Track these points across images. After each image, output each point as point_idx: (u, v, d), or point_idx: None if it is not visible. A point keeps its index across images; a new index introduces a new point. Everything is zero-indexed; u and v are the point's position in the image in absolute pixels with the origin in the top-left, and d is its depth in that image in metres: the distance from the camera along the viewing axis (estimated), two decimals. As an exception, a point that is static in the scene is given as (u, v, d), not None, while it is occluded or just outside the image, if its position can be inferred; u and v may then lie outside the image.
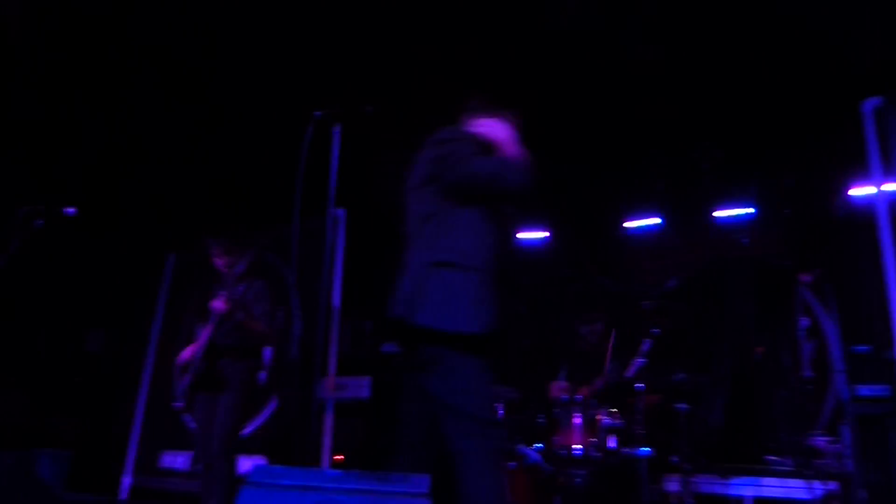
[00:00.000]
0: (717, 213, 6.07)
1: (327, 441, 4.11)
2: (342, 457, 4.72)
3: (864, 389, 4.30)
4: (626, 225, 6.53)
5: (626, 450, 4.11)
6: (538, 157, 6.17)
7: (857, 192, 5.21)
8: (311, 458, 4.11)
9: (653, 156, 6.17)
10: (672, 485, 4.55)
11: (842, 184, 5.24)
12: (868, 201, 4.24)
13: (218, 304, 3.88)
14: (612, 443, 4.14)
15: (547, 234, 6.54)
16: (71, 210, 3.44)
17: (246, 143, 6.05)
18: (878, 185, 3.88)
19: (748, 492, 4.54)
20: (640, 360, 4.05)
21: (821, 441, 4.68)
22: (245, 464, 4.31)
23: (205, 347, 3.90)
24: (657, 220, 6.33)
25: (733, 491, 4.63)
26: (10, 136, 5.71)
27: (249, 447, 4.39)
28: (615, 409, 4.20)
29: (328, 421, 4.13)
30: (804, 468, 4.13)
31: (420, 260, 2.53)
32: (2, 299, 5.69)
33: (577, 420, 4.15)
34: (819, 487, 4.08)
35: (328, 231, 2.90)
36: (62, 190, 5.89)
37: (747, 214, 5.86)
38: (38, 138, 5.88)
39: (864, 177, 4.73)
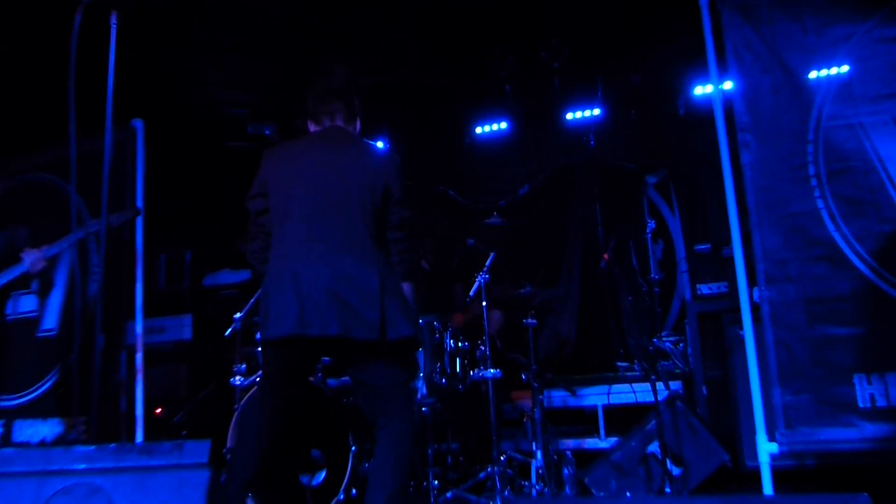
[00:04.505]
0: (567, 116, 6.12)
1: (140, 393, 3.85)
2: (160, 410, 4.49)
3: (704, 287, 4.54)
4: (476, 130, 6.46)
5: (474, 373, 4.13)
6: (373, 61, 5.88)
7: (700, 90, 5.37)
8: (119, 415, 3.85)
9: (499, 57, 6.06)
10: (524, 403, 4.69)
11: (686, 82, 5.36)
12: (707, 100, 4.34)
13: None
14: (458, 367, 4.15)
15: (384, 143, 6.35)
16: None
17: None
18: (714, 83, 3.96)
19: (599, 401, 4.76)
20: (482, 277, 4.03)
21: (667, 342, 4.95)
22: (40, 430, 3.99)
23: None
24: (505, 125, 6.29)
25: (585, 402, 4.85)
26: None
27: (41, 410, 4.06)
28: (461, 332, 4.20)
29: (139, 369, 3.86)
30: (650, 371, 4.33)
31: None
32: None
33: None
34: (663, 389, 4.30)
35: (107, 148, 2.56)
36: None
37: (595, 116, 5.93)
38: None
39: (705, 75, 4.83)
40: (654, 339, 4.87)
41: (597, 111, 5.99)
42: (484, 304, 4.10)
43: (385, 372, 2.78)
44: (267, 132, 5.85)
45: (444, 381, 4.11)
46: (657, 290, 5.20)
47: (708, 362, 4.54)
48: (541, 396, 4.19)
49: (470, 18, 5.55)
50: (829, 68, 3.83)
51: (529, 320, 4.19)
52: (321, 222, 2.74)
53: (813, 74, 3.85)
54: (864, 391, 3.55)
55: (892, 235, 3.55)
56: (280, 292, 2.68)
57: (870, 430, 3.48)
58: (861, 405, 3.54)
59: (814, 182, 3.74)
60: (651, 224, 5.20)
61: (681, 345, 4.96)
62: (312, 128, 3.04)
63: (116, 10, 2.64)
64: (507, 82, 6.21)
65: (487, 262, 4.18)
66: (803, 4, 3.89)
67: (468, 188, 6.44)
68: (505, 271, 4.43)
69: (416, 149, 6.49)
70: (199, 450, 1.63)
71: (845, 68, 3.80)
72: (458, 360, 4.20)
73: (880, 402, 3.51)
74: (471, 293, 4.11)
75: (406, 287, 2.80)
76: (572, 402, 4.79)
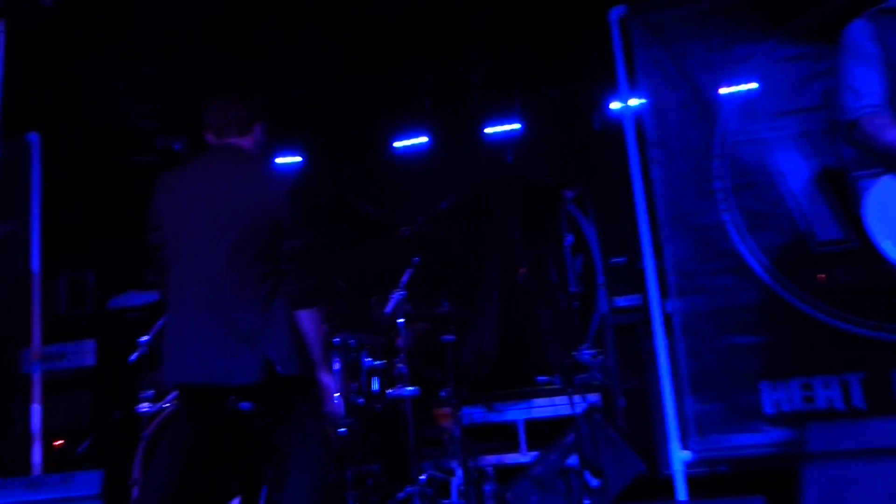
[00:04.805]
0: (486, 130, 6.17)
1: (37, 425, 3.65)
2: (61, 442, 4.27)
3: (621, 300, 4.64)
4: (395, 145, 6.44)
5: (391, 391, 4.09)
6: (289, 73, 5.79)
7: (616, 105, 5.49)
8: (14, 449, 3.64)
9: (418, 71, 6.08)
10: (445, 421, 4.67)
11: (601, 97, 5.48)
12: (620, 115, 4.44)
13: None
14: (375, 386, 4.11)
15: (300, 158, 6.26)
16: None
17: None
18: (624, 99, 4.05)
19: (519, 415, 4.79)
20: (399, 293, 4.01)
21: (586, 355, 5.03)
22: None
23: None
24: (425, 139, 6.30)
25: (505, 417, 4.87)
26: None
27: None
28: (377, 349, 4.16)
29: (36, 399, 3.66)
30: (569, 384, 4.39)
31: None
32: None
33: (336, 365, 4.05)
34: (581, 401, 4.36)
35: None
36: None
37: (514, 130, 6.00)
38: None
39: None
40: (574, 353, 4.94)
41: (516, 126, 6.06)
42: (401, 320, 4.07)
43: (282, 408, 2.73)
44: (177, 146, 5.68)
45: (361, 400, 4.06)
46: (576, 303, 5.28)
47: (625, 374, 4.64)
48: (460, 413, 4.18)
49: (387, 32, 5.55)
50: (734, 86, 3.98)
51: (448, 336, 4.18)
52: (204, 259, 2.64)
53: (719, 91, 4.00)
54: (770, 397, 3.69)
55: (792, 246, 3.71)
56: (168, 336, 2.64)
57: (776, 434, 3.61)
58: (767, 411, 3.67)
59: (720, 196, 3.87)
60: (569, 238, 5.28)
61: (600, 357, 5.04)
62: (209, 139, 2.94)
63: (5, 18, 2.53)
64: (427, 96, 6.23)
65: (404, 279, 4.16)
66: (709, 24, 4.04)
67: (387, 203, 6.41)
68: (424, 287, 4.41)
69: (334, 163, 6.43)
70: (89, 482, 1.55)
71: (749, 86, 3.96)
72: (375, 378, 4.16)
73: (785, 407, 3.65)
74: (387, 310, 4.08)
75: (305, 317, 2.71)
76: (493, 417, 4.80)
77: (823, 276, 3.75)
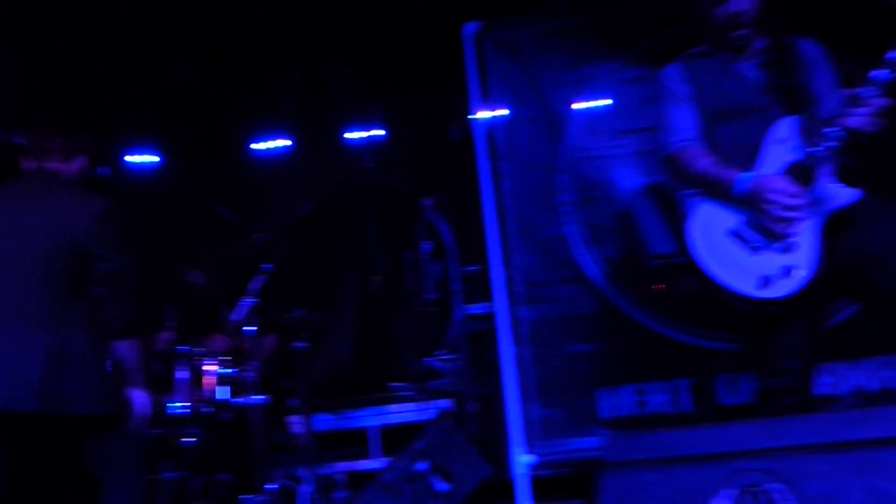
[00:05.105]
0: (348, 136, 6.17)
1: None
2: None
3: (474, 308, 4.77)
4: (253, 147, 6.33)
5: (240, 400, 4.03)
6: (144, 69, 5.58)
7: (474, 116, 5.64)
8: None
9: (279, 72, 6.00)
10: (296, 429, 4.64)
11: (461, 108, 5.61)
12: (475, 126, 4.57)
13: None
14: (224, 395, 4.03)
15: (158, 158, 6.05)
16: None
17: None
18: (477, 112, 4.19)
19: (372, 422, 4.82)
20: (249, 301, 3.95)
21: (441, 361, 5.13)
22: None
23: None
24: (286, 143, 6.23)
25: (358, 423, 4.88)
26: None
27: None
28: (226, 357, 4.08)
29: None
30: (421, 391, 4.47)
31: None
32: None
33: (183, 374, 3.94)
34: (434, 407, 4.45)
35: None
36: None
37: (377, 137, 6.04)
38: None
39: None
40: (428, 359, 5.02)
41: (379, 132, 6.10)
42: (252, 327, 4.02)
43: (93, 434, 2.69)
44: (17, 140, 5.33)
45: (208, 409, 3.97)
46: (433, 310, 5.37)
47: (478, 380, 4.76)
48: (312, 420, 4.17)
49: (248, 31, 5.45)
50: (580, 103, 4.19)
51: (299, 343, 4.17)
52: (9, 289, 2.59)
53: (567, 109, 4.20)
54: (606, 402, 3.92)
55: (628, 259, 3.97)
56: None
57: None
58: (603, 416, 3.90)
59: (564, 210, 4.07)
60: (427, 245, 5.37)
61: (454, 364, 5.14)
62: (28, 164, 2.86)
63: None
64: (289, 98, 6.16)
65: (257, 285, 4.11)
66: (558, 44, 4.24)
67: (245, 206, 6.28)
68: (279, 293, 4.37)
69: (191, 163, 6.24)
70: None
71: (593, 104, 4.19)
72: (225, 387, 4.07)
73: (619, 412, 3.90)
74: (235, 316, 4.02)
75: (123, 346, 2.68)
76: (345, 424, 4.80)
77: (662, 286, 4.02)
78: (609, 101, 4.17)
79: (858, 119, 2.36)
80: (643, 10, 4.08)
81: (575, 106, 4.18)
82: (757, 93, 2.65)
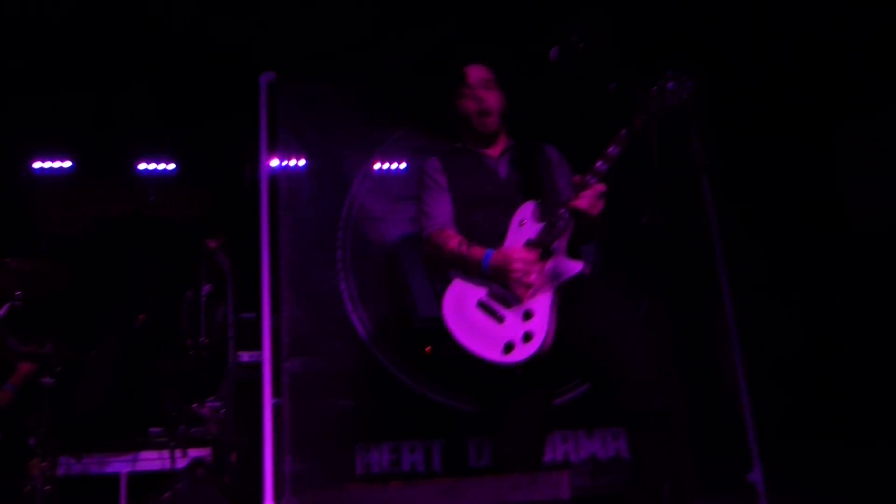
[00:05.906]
0: (139, 166, 5.98)
1: None
2: None
3: (244, 356, 4.72)
4: (34, 166, 5.95)
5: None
6: None
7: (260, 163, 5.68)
8: None
9: (67, 93, 5.72)
10: (36, 472, 4.31)
11: (251, 153, 5.63)
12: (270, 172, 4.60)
13: None
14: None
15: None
16: None
17: None
18: (264, 161, 4.24)
19: (122, 468, 4.59)
20: (-11, 329, 3.68)
21: (206, 408, 4.99)
22: None
23: None
24: (69, 164, 5.92)
25: (108, 469, 4.63)
26: None
27: None
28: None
29: None
30: (172, 438, 4.35)
31: None
32: None
33: None
34: (189, 456, 4.31)
35: None
36: None
37: (167, 171, 5.90)
38: None
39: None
40: (193, 405, 4.87)
41: (171, 166, 5.97)
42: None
43: None
44: None
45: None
46: (207, 354, 5.23)
47: (243, 429, 4.68)
48: (54, 464, 3.89)
49: (42, 45, 5.19)
50: (365, 165, 4.37)
51: (46, 380, 3.90)
52: None
53: (354, 168, 4.36)
54: (362, 459, 4.01)
55: (397, 319, 4.14)
56: None
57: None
58: (358, 471, 3.99)
59: (340, 266, 4.19)
60: (206, 287, 5.25)
61: (222, 411, 5.02)
62: None
63: None
64: (78, 120, 5.88)
65: (1, 313, 3.83)
66: (351, 107, 4.42)
67: (19, 227, 5.85)
68: (31, 324, 4.08)
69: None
70: None
71: (378, 167, 4.38)
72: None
73: (374, 469, 4.00)
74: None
75: None
76: (94, 469, 4.53)
77: (430, 347, 4.20)
78: (394, 166, 4.38)
79: (584, 200, 2.66)
80: (432, 85, 4.34)
81: (363, 167, 4.34)
82: (504, 184, 2.97)
